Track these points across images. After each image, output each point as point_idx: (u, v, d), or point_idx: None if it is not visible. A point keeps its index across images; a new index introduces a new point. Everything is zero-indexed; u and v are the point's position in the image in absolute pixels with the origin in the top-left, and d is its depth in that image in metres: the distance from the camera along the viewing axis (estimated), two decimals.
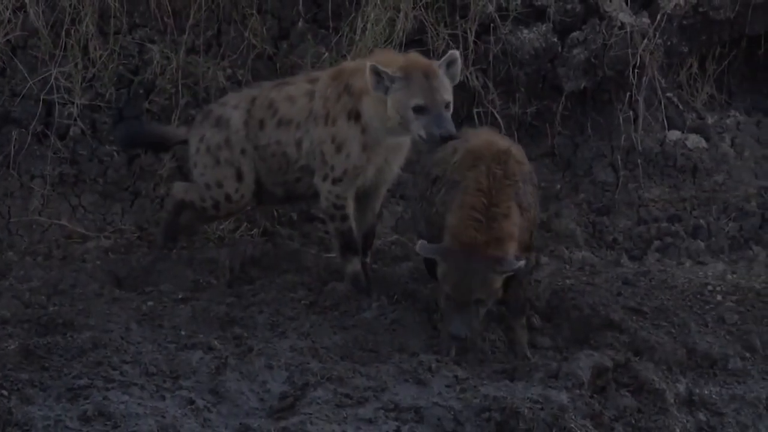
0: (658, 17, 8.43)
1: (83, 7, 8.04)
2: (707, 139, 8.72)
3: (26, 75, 8.07)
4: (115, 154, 8.15)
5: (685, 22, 8.55)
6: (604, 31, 8.36)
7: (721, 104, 8.91)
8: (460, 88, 7.88)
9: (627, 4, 8.47)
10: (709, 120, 8.80)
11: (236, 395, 6.11)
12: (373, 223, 7.45)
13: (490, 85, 8.30)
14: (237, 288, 7.41)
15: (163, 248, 7.73)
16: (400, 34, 8.08)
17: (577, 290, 7.37)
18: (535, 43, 8.34)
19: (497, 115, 8.28)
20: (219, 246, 7.84)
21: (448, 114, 6.84)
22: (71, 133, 8.12)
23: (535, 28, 8.37)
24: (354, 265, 7.26)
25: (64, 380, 6.06)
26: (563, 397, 6.23)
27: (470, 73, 8.22)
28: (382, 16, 8.07)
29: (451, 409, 6.07)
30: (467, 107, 8.28)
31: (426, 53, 7.45)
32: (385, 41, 8.03)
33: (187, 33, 8.22)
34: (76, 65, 8.06)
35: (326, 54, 8.20)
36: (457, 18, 8.25)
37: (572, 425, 6.02)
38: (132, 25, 8.25)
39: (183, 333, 6.74)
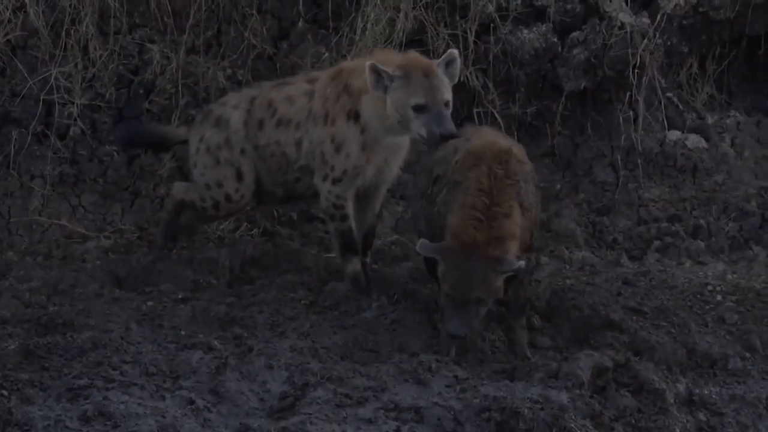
0: (658, 17, 8.43)
1: (83, 7, 8.04)
2: (707, 139, 8.72)
3: (26, 75, 8.07)
4: (115, 154, 8.15)
5: (685, 22, 8.55)
6: (604, 31, 8.37)
7: (721, 104, 8.91)
8: (460, 88, 7.89)
9: (627, 4, 8.47)
10: (709, 120, 8.80)
11: (236, 395, 6.11)
12: (373, 223, 7.45)
13: (490, 85, 8.30)
14: (237, 288, 7.41)
15: (163, 248, 7.73)
16: (400, 34, 8.08)
17: (577, 290, 7.37)
18: (535, 43, 8.34)
19: (497, 115, 8.28)
20: (219, 246, 7.84)
21: (448, 113, 6.84)
22: (71, 133, 8.12)
23: (535, 28, 8.37)
24: (354, 265, 7.26)
25: (64, 380, 6.06)
26: (563, 397, 6.23)
27: (470, 73, 8.22)
28: (382, 16, 8.07)
29: (451, 409, 6.07)
30: (467, 107, 8.28)
31: (426, 53, 7.45)
32: (385, 41, 8.03)
33: (187, 33, 8.22)
34: (76, 65, 8.06)
35: (326, 54, 8.20)
36: (457, 18, 8.25)
37: (572, 425, 6.02)
38: (132, 25, 8.25)
39: (183, 333, 6.74)
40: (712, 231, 8.37)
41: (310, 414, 5.94)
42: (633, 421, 6.34)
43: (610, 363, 6.56)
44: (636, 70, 8.37)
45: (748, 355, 7.00)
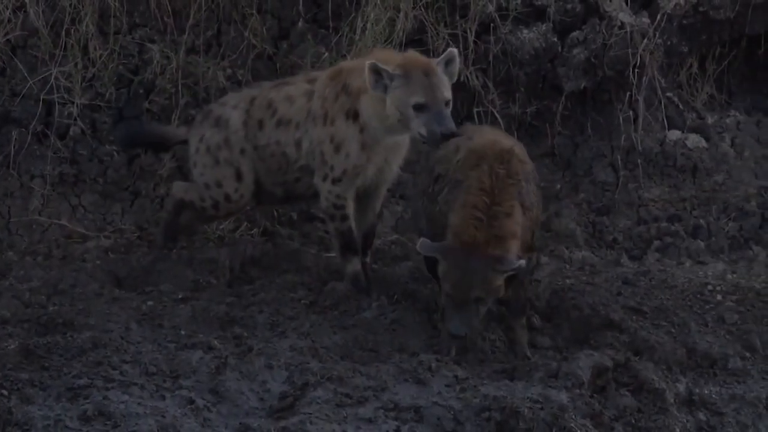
0: (658, 17, 8.43)
1: (83, 6, 8.04)
2: (707, 139, 8.72)
3: (26, 75, 8.07)
4: (115, 153, 8.15)
5: (685, 22, 8.55)
6: (604, 30, 8.36)
7: (721, 104, 8.91)
8: (460, 88, 7.90)
9: (627, 3, 8.47)
10: (709, 120, 8.80)
11: (236, 395, 6.11)
12: (373, 223, 7.44)
13: (490, 84, 8.30)
14: (237, 288, 7.41)
15: (163, 248, 7.73)
16: (400, 33, 8.08)
17: (577, 290, 7.37)
18: (535, 42, 8.34)
19: (497, 115, 8.27)
20: (219, 246, 7.84)
21: (448, 111, 6.84)
22: (71, 132, 8.12)
23: (535, 28, 8.37)
24: (354, 264, 7.26)
25: (64, 380, 6.05)
26: (563, 397, 6.23)
27: (470, 73, 8.22)
28: (382, 15, 8.07)
29: (450, 409, 6.07)
30: (467, 107, 8.28)
31: (426, 53, 7.45)
32: (385, 41, 8.03)
33: (187, 33, 8.22)
34: (76, 65, 8.06)
35: (326, 54, 8.20)
36: (457, 18, 8.25)
37: (572, 425, 6.02)
38: (132, 25, 8.25)
39: (183, 333, 6.74)
40: (712, 231, 8.37)
41: (310, 414, 5.94)
42: (633, 421, 6.34)
43: (610, 363, 6.56)
44: (636, 70, 8.37)
45: (748, 354, 7.00)
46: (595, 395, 6.40)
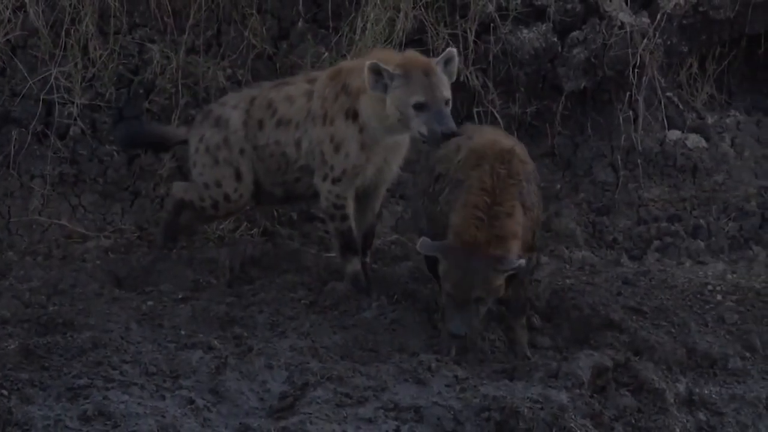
0: (658, 17, 8.43)
1: (83, 6, 8.04)
2: (707, 139, 8.72)
3: (26, 75, 8.07)
4: (115, 153, 8.15)
5: (685, 22, 8.55)
6: (604, 30, 8.36)
7: (721, 104, 8.91)
8: (460, 88, 7.90)
9: (627, 3, 8.47)
10: (709, 120, 8.80)
11: (236, 395, 6.11)
12: (373, 223, 7.44)
13: (490, 84, 8.30)
14: (237, 288, 7.41)
15: (163, 248, 7.73)
16: (400, 33, 8.08)
17: (577, 290, 7.37)
18: (535, 42, 8.34)
19: (497, 115, 8.27)
20: (219, 246, 7.84)
21: (448, 111, 6.84)
22: (71, 132, 8.12)
23: (535, 28, 8.37)
24: (354, 264, 7.26)
25: (64, 380, 6.05)
26: (563, 397, 6.23)
27: (470, 73, 8.22)
28: (382, 15, 8.06)
29: (450, 409, 6.07)
30: (467, 107, 8.28)
31: (426, 53, 7.45)
32: (385, 41, 8.03)
33: (187, 33, 8.22)
34: (76, 65, 8.06)
35: (326, 54, 8.20)
36: (457, 18, 8.25)
37: (572, 425, 6.02)
38: (132, 25, 8.25)
39: (183, 333, 6.73)
40: (712, 231, 8.37)
41: (310, 414, 5.94)
42: (633, 421, 6.34)
43: (610, 363, 6.56)
44: (636, 70, 8.37)
45: (747, 354, 7.00)
46: (595, 395, 6.40)
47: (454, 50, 6.99)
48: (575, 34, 8.39)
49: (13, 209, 8.03)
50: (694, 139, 8.69)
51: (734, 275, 7.97)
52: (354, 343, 6.76)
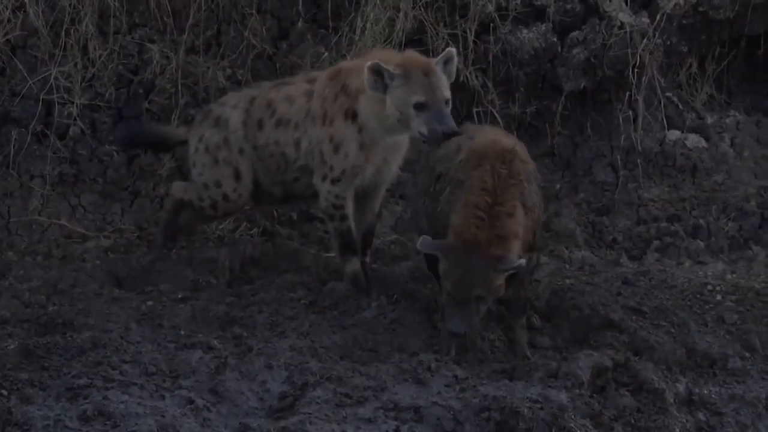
0: (658, 17, 8.43)
1: (83, 6, 8.04)
2: (707, 139, 8.72)
3: (26, 75, 8.07)
4: (114, 153, 8.15)
5: (684, 22, 8.55)
6: (603, 30, 8.37)
7: (720, 104, 8.92)
8: (459, 88, 7.90)
9: (626, 3, 8.47)
10: (709, 120, 8.80)
11: (236, 395, 6.11)
12: (373, 223, 7.44)
13: (490, 84, 8.30)
14: (236, 288, 7.41)
15: (162, 248, 7.73)
16: (400, 33, 8.08)
17: (577, 290, 7.37)
18: (535, 42, 8.34)
19: (497, 115, 8.27)
20: (218, 246, 7.84)
21: (448, 111, 6.84)
22: (71, 132, 8.12)
23: (534, 28, 8.37)
24: (353, 264, 7.26)
25: (63, 380, 6.05)
26: (563, 397, 6.23)
27: (470, 73, 8.22)
28: (382, 15, 8.07)
29: (450, 409, 6.07)
30: (467, 107, 8.28)
31: (425, 53, 7.45)
32: (385, 41, 8.03)
33: (186, 33, 8.22)
34: (75, 65, 8.06)
35: (326, 54, 8.20)
36: (457, 18, 8.25)
37: (572, 425, 6.02)
38: (132, 25, 8.25)
39: (182, 333, 6.73)
40: (711, 231, 8.37)
41: (310, 414, 5.94)
42: (632, 421, 6.34)
43: (610, 363, 6.56)
44: (636, 70, 8.37)
45: (747, 354, 7.00)
46: (594, 395, 6.40)
47: (454, 50, 6.99)
48: (575, 34, 8.39)
49: (12, 209, 8.03)
50: (693, 139, 8.69)
51: (734, 275, 7.97)
52: (353, 343, 6.76)
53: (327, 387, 6.16)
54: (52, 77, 8.04)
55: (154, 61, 8.14)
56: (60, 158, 8.09)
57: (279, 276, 7.49)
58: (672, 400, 6.46)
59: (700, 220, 8.40)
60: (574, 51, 8.36)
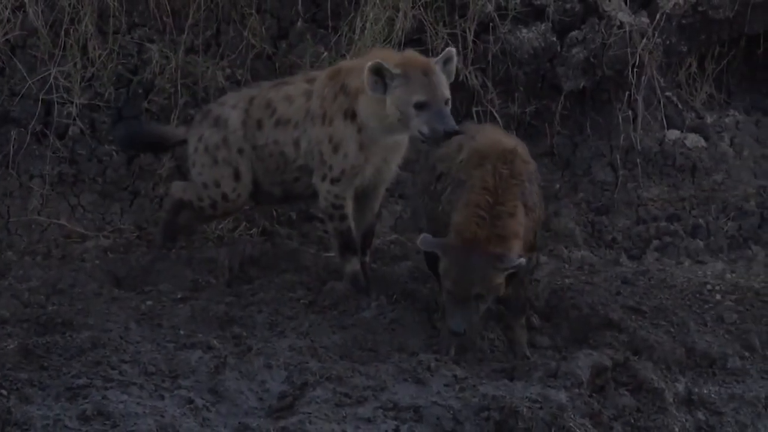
0: (657, 16, 8.43)
1: (82, 6, 8.04)
2: (706, 139, 8.72)
3: (25, 74, 8.07)
4: (114, 153, 8.15)
5: (684, 22, 8.55)
6: (603, 30, 8.37)
7: (720, 103, 8.92)
8: (459, 88, 7.90)
9: (626, 3, 8.47)
10: (708, 119, 8.81)
11: (235, 395, 6.11)
12: (372, 223, 7.44)
13: (489, 84, 8.30)
14: (236, 287, 7.41)
15: (162, 248, 7.73)
16: (399, 33, 8.08)
17: (576, 289, 7.37)
18: (534, 42, 8.35)
19: (496, 115, 8.28)
20: (218, 245, 7.84)
21: (449, 110, 6.84)
22: (70, 132, 8.12)
23: (534, 28, 8.37)
24: (353, 264, 7.26)
25: (63, 380, 6.05)
26: (562, 397, 6.23)
27: (469, 73, 8.22)
28: (381, 15, 8.07)
29: (450, 409, 6.07)
30: (466, 106, 8.28)
31: (425, 52, 7.45)
32: (384, 40, 8.03)
33: (186, 32, 8.22)
34: (75, 65, 8.06)
35: (325, 53, 8.20)
36: (456, 17, 8.25)
37: (571, 424, 6.02)
38: (131, 25, 8.25)
39: (182, 332, 6.73)
40: (711, 230, 8.37)
41: (309, 413, 5.94)
42: (632, 421, 6.34)
43: (609, 362, 6.56)
44: (635, 70, 8.38)
45: (747, 354, 7.00)
46: (594, 395, 6.40)
47: (453, 50, 6.99)
48: (574, 33, 8.39)
49: (12, 209, 8.03)
50: (693, 139, 8.69)
51: (733, 275, 7.97)
52: (353, 342, 6.76)
53: (326, 387, 6.16)
54: (52, 77, 8.04)
55: (154, 61, 8.14)
56: (59, 158, 8.09)
57: (278, 276, 7.49)
58: (671, 400, 6.46)
59: (700, 220, 8.40)
60: (574, 51, 8.36)
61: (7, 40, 8.08)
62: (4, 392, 5.88)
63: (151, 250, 7.75)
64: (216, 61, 8.23)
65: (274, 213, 8.17)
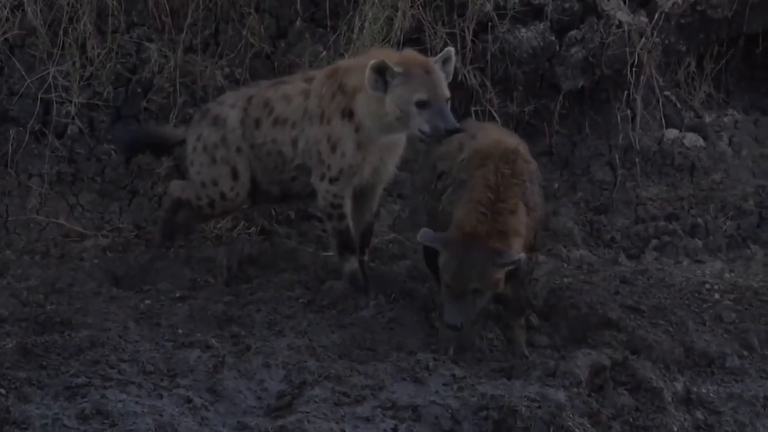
0: (656, 16, 8.43)
1: (81, 5, 8.04)
2: (705, 138, 8.72)
3: (24, 74, 8.07)
4: (112, 152, 8.15)
5: (683, 21, 8.55)
6: (602, 29, 8.37)
7: (718, 103, 8.92)
8: (458, 87, 7.90)
9: (625, 2, 8.48)
10: (707, 119, 8.81)
11: (234, 394, 6.11)
12: (371, 222, 7.45)
13: (488, 83, 8.30)
14: (234, 286, 7.41)
15: (160, 247, 7.72)
16: (398, 32, 8.08)
17: (575, 289, 7.37)
18: (533, 41, 8.35)
19: (495, 114, 8.28)
20: (216, 245, 7.84)
21: (449, 109, 6.84)
22: (69, 131, 8.12)
23: (533, 27, 8.37)
24: (351, 263, 7.26)
25: (61, 379, 6.05)
26: (561, 396, 6.23)
27: (468, 72, 8.22)
28: (380, 14, 8.07)
29: (448, 408, 6.07)
30: (465, 106, 8.28)
31: (424, 52, 7.45)
32: (383, 40, 8.04)
33: (185, 32, 8.22)
34: (74, 64, 8.06)
35: (324, 53, 8.20)
36: (455, 17, 8.25)
37: (570, 424, 6.02)
38: (130, 24, 8.25)
39: (180, 331, 6.73)
40: (709, 230, 8.37)
41: (308, 412, 5.93)
42: (631, 420, 6.34)
43: (608, 361, 6.56)
44: (634, 69, 8.38)
45: (745, 353, 7.00)
46: (592, 394, 6.40)
47: (452, 50, 6.99)
48: (573, 33, 8.39)
49: (10, 208, 8.03)
50: (691, 138, 8.69)
51: (732, 274, 7.97)
52: (352, 341, 6.76)
53: (325, 386, 6.15)
54: (51, 76, 8.04)
55: (153, 60, 8.14)
56: (58, 157, 8.09)
57: (277, 275, 7.49)
58: (670, 399, 6.46)
59: (699, 219, 8.40)
60: (573, 50, 8.36)
61: (5, 39, 8.08)
62: (3, 391, 5.88)
63: (149, 249, 7.75)
64: (215, 60, 8.23)
65: (273, 212, 8.17)
